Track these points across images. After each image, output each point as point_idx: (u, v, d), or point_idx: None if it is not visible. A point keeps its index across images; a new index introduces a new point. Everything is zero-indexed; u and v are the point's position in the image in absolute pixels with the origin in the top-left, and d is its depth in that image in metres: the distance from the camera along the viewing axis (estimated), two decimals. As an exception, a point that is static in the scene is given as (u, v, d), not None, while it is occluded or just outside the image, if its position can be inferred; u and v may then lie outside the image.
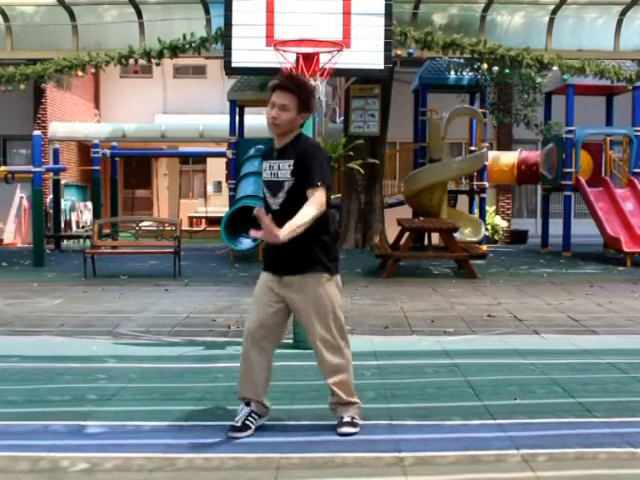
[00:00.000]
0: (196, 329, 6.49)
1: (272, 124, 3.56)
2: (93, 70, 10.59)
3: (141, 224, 11.40)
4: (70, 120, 20.03)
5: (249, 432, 3.59)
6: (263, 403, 3.69)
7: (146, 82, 21.81)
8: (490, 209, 17.51)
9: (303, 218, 3.41)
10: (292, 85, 3.56)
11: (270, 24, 6.42)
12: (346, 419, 3.63)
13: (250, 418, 3.63)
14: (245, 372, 3.67)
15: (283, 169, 3.55)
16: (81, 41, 11.59)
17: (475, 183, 15.31)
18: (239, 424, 3.60)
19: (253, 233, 3.41)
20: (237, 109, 13.77)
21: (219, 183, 22.58)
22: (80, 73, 10.40)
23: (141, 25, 11.39)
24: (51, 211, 16.60)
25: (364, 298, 8.07)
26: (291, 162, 3.54)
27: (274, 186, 3.57)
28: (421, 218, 12.92)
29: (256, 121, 16.03)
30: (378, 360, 5.18)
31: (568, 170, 13.58)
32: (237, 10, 6.61)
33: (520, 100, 15.20)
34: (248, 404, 3.67)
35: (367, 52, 6.48)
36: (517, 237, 18.07)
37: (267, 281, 3.67)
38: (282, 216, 3.44)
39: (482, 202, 15.17)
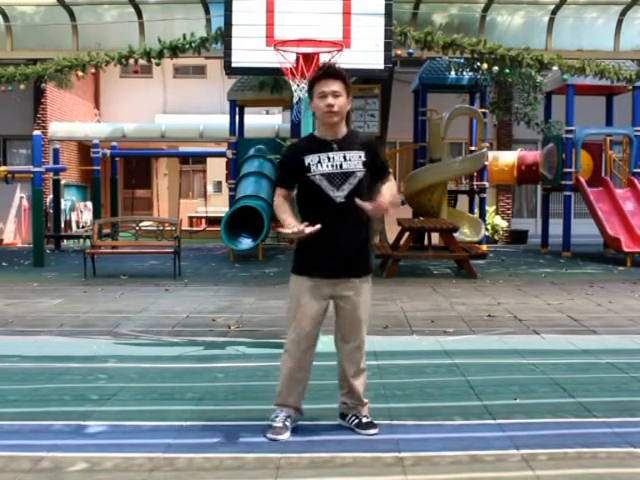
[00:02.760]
0: (196, 329, 6.49)
1: (328, 113, 3.48)
2: (93, 70, 10.58)
3: (141, 224, 11.39)
4: (70, 120, 20.03)
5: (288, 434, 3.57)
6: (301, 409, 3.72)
7: (146, 82, 21.80)
8: (490, 209, 17.51)
9: (395, 191, 3.58)
10: (336, 71, 3.56)
11: (270, 24, 6.43)
12: (367, 419, 3.66)
13: (288, 421, 3.62)
14: (292, 382, 3.62)
15: (352, 160, 3.49)
16: (81, 41, 11.59)
17: (475, 183, 15.32)
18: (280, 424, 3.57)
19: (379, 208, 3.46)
20: (237, 109, 13.78)
21: (219, 183, 22.58)
22: (80, 73, 10.39)
23: (141, 25, 11.39)
24: (51, 211, 16.61)
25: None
26: (361, 153, 3.51)
27: (338, 177, 3.48)
28: (421, 218, 12.91)
29: (256, 121, 16.07)
30: (378, 360, 5.18)
31: (568, 170, 13.58)
32: (237, 10, 6.62)
33: (521, 99, 15.20)
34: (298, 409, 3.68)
35: (367, 52, 6.49)
36: (517, 237, 18.07)
37: (313, 287, 3.53)
38: (346, 208, 3.43)
39: (482, 202, 15.17)
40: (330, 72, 3.54)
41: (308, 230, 3.38)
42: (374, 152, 3.58)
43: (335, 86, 3.49)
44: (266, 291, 8.84)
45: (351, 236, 3.50)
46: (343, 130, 3.57)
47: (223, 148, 15.73)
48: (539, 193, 18.09)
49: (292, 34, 6.15)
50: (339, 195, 3.46)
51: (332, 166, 3.48)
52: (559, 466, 3.22)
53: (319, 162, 3.48)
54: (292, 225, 3.41)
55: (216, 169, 21.62)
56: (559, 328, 6.50)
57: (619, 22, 11.71)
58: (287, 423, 3.57)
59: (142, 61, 10.33)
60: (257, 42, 6.42)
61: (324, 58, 6.06)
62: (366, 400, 3.72)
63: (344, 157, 3.49)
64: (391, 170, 3.69)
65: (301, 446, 3.45)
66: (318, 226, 3.37)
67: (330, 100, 3.46)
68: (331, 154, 3.50)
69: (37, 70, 10.52)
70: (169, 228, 11.25)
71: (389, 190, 3.56)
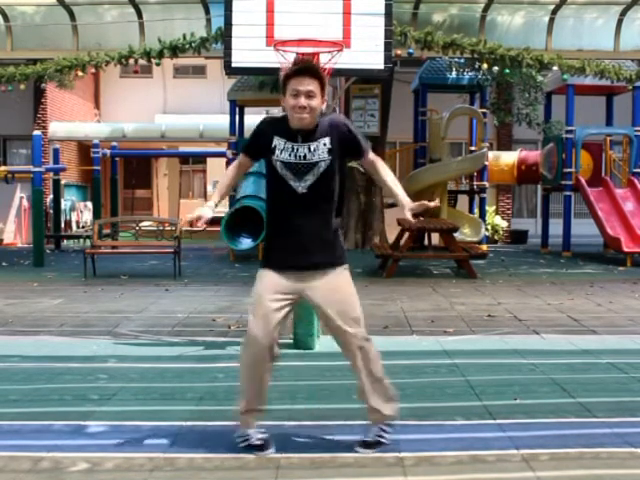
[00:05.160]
0: (196, 329, 6.49)
1: (300, 115, 3.27)
2: (93, 70, 10.58)
3: (141, 224, 11.40)
4: (70, 120, 20.03)
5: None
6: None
7: (146, 82, 21.80)
8: (490, 209, 17.51)
9: (397, 182, 3.53)
10: (314, 70, 3.34)
11: (270, 24, 6.42)
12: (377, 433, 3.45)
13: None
14: (254, 384, 3.39)
15: (317, 150, 3.31)
16: (81, 41, 11.59)
17: (475, 183, 15.32)
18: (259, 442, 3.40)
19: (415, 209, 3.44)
20: (237, 109, 13.77)
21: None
22: (80, 73, 10.39)
23: (141, 25, 11.39)
24: (51, 211, 16.61)
25: (364, 298, 8.00)
26: (326, 140, 3.32)
27: (301, 168, 3.30)
28: (421, 218, 12.91)
29: (256, 121, 16.04)
30: (378, 360, 5.17)
31: (568, 170, 13.59)
32: (237, 10, 6.61)
33: (521, 99, 15.20)
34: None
35: (367, 52, 6.48)
36: (517, 237, 18.07)
37: (276, 278, 3.34)
38: (309, 200, 3.30)
39: (482, 202, 15.18)
40: (307, 70, 3.30)
41: (200, 224, 3.48)
42: (340, 133, 3.36)
43: (311, 86, 3.26)
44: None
45: (314, 228, 3.34)
46: (313, 122, 3.35)
47: (223, 148, 15.74)
48: (539, 193, 18.10)
49: (292, 34, 6.14)
50: (301, 186, 3.31)
51: (295, 157, 3.31)
52: (559, 466, 3.22)
53: (284, 149, 3.34)
54: (197, 210, 3.53)
55: (216, 169, 21.60)
56: (559, 328, 6.49)
57: (619, 22, 11.71)
58: (260, 435, 3.40)
59: (142, 61, 10.33)
60: (257, 42, 6.41)
61: (324, 58, 6.06)
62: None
63: (308, 149, 3.32)
64: (369, 144, 3.54)
65: (302, 446, 3.45)
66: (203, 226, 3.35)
67: (303, 101, 3.25)
68: (295, 145, 3.33)
69: (37, 70, 10.52)
70: (169, 228, 11.26)
71: (394, 184, 3.52)
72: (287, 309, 3.38)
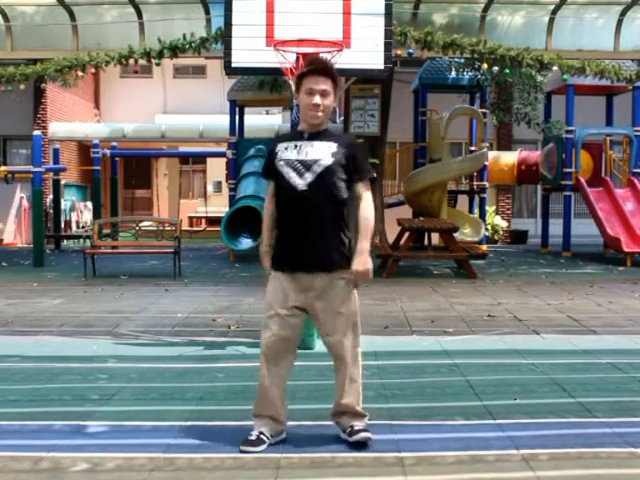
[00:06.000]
0: (196, 329, 6.49)
1: (313, 114, 3.36)
2: (93, 70, 10.58)
3: (141, 224, 11.40)
4: (70, 120, 20.03)
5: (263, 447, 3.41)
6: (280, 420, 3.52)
7: (146, 82, 21.81)
8: (490, 209, 17.51)
9: (369, 227, 3.39)
10: (328, 70, 3.40)
11: (270, 24, 6.43)
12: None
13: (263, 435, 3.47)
14: (265, 392, 3.45)
15: (320, 149, 3.35)
16: (81, 41, 11.59)
17: (475, 183, 15.32)
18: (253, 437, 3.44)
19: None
20: (237, 109, 13.77)
21: (219, 183, 22.59)
22: (80, 73, 10.39)
23: (141, 25, 11.39)
24: (51, 211, 16.61)
25: (364, 298, 8.04)
26: (333, 145, 3.36)
27: (302, 165, 3.33)
28: (421, 218, 12.92)
29: (256, 121, 16.07)
30: (378, 360, 5.18)
31: (568, 170, 13.59)
32: (237, 10, 6.62)
33: (521, 99, 15.20)
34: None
35: (367, 52, 6.50)
36: (517, 237, 18.07)
37: (283, 281, 3.40)
38: (310, 198, 3.29)
39: (482, 202, 15.17)
40: (322, 69, 3.39)
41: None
42: (348, 148, 3.39)
43: (325, 85, 3.36)
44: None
45: (317, 227, 3.34)
46: (322, 126, 3.43)
47: (223, 148, 15.73)
48: (539, 193, 18.10)
49: (292, 34, 6.16)
50: (301, 183, 3.31)
51: (297, 153, 3.36)
52: (559, 466, 3.22)
53: (286, 149, 3.40)
54: (262, 253, 3.55)
55: (216, 169, 21.63)
56: (559, 328, 6.49)
57: (619, 22, 11.72)
58: (262, 436, 3.43)
59: (142, 61, 10.32)
60: (257, 42, 6.42)
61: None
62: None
63: (312, 145, 3.37)
64: (373, 175, 3.44)
65: (301, 446, 3.45)
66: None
67: (317, 99, 3.34)
68: (299, 142, 3.39)
69: (37, 70, 10.52)
70: (169, 228, 11.26)
71: (365, 229, 3.39)
72: (298, 315, 3.43)
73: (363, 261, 3.34)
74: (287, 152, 3.39)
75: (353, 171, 3.39)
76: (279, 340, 3.40)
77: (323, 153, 3.35)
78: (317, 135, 3.41)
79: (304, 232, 3.36)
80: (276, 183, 3.46)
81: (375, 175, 3.50)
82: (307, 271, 3.36)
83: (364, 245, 3.36)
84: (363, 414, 3.53)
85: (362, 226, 3.40)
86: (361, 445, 3.41)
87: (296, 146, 3.39)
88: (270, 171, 3.48)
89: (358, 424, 3.46)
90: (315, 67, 3.40)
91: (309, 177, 3.33)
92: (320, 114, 3.36)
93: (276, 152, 3.44)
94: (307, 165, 3.34)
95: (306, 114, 3.40)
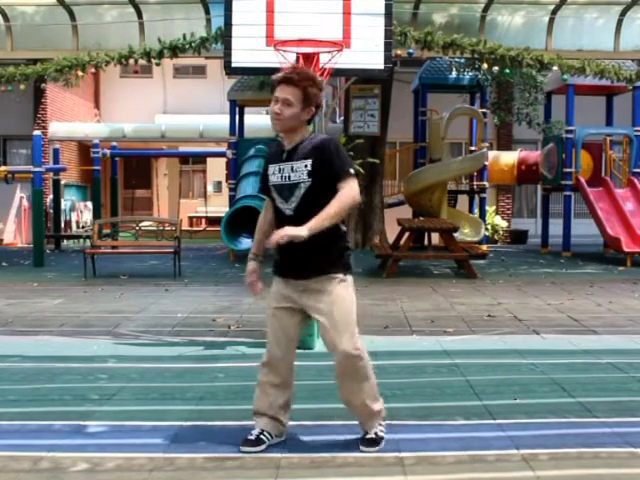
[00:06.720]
0: (196, 329, 6.49)
1: (274, 120, 3.36)
2: (93, 70, 10.59)
3: (141, 224, 11.40)
4: (70, 120, 20.04)
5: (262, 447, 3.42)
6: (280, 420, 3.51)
7: (146, 82, 21.81)
8: (490, 209, 17.52)
9: (334, 208, 3.21)
10: (297, 78, 3.36)
11: (270, 24, 6.43)
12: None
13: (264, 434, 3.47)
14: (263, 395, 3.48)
15: (298, 170, 3.32)
16: (81, 41, 11.60)
17: (475, 183, 15.32)
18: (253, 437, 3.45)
19: (271, 243, 3.29)
20: (237, 109, 13.77)
21: (219, 183, 22.59)
22: (80, 73, 10.40)
23: (141, 25, 11.40)
24: (51, 211, 16.61)
25: (364, 298, 8.05)
26: (308, 162, 3.30)
27: (286, 190, 3.35)
28: (421, 218, 12.92)
29: (256, 121, 16.06)
30: (378, 360, 5.16)
31: (568, 170, 13.58)
32: (237, 10, 6.62)
33: (521, 99, 15.20)
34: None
35: (367, 52, 6.50)
36: (517, 237, 18.08)
37: (281, 288, 3.48)
38: (297, 222, 3.24)
39: (482, 202, 15.17)
40: (288, 78, 3.35)
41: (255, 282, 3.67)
42: (322, 157, 3.29)
43: (288, 94, 3.31)
44: (266, 291, 8.82)
45: (305, 249, 3.28)
46: (297, 138, 3.38)
47: (223, 148, 15.74)
48: (539, 193, 18.10)
49: (292, 34, 6.15)
50: (288, 208, 3.35)
51: (281, 178, 3.36)
52: (559, 466, 3.22)
53: (273, 173, 3.43)
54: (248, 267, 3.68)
55: (216, 169, 21.63)
56: (559, 328, 6.49)
57: (619, 22, 11.73)
58: (262, 436, 3.43)
59: (142, 61, 10.33)
60: (257, 42, 6.42)
61: (324, 58, 6.07)
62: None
63: (291, 168, 3.35)
64: (352, 171, 3.33)
65: (302, 446, 3.45)
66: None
67: (277, 108, 3.32)
68: (282, 165, 3.39)
69: (37, 70, 10.53)
70: (169, 228, 11.26)
71: (332, 205, 3.23)
72: (296, 317, 3.46)
73: (294, 229, 3.21)
74: (274, 177, 3.42)
75: (332, 177, 3.30)
76: (278, 338, 3.44)
77: (302, 174, 3.32)
78: (294, 152, 3.37)
79: (294, 250, 3.31)
80: (273, 205, 3.50)
81: (355, 170, 3.38)
82: (296, 279, 3.43)
83: (312, 224, 3.21)
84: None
85: (323, 211, 3.25)
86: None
87: (280, 169, 3.39)
88: (266, 192, 3.52)
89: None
90: (281, 76, 3.38)
91: (294, 201, 3.34)
92: (277, 122, 3.36)
93: (267, 175, 3.47)
94: (290, 189, 3.35)
95: (271, 122, 3.44)
